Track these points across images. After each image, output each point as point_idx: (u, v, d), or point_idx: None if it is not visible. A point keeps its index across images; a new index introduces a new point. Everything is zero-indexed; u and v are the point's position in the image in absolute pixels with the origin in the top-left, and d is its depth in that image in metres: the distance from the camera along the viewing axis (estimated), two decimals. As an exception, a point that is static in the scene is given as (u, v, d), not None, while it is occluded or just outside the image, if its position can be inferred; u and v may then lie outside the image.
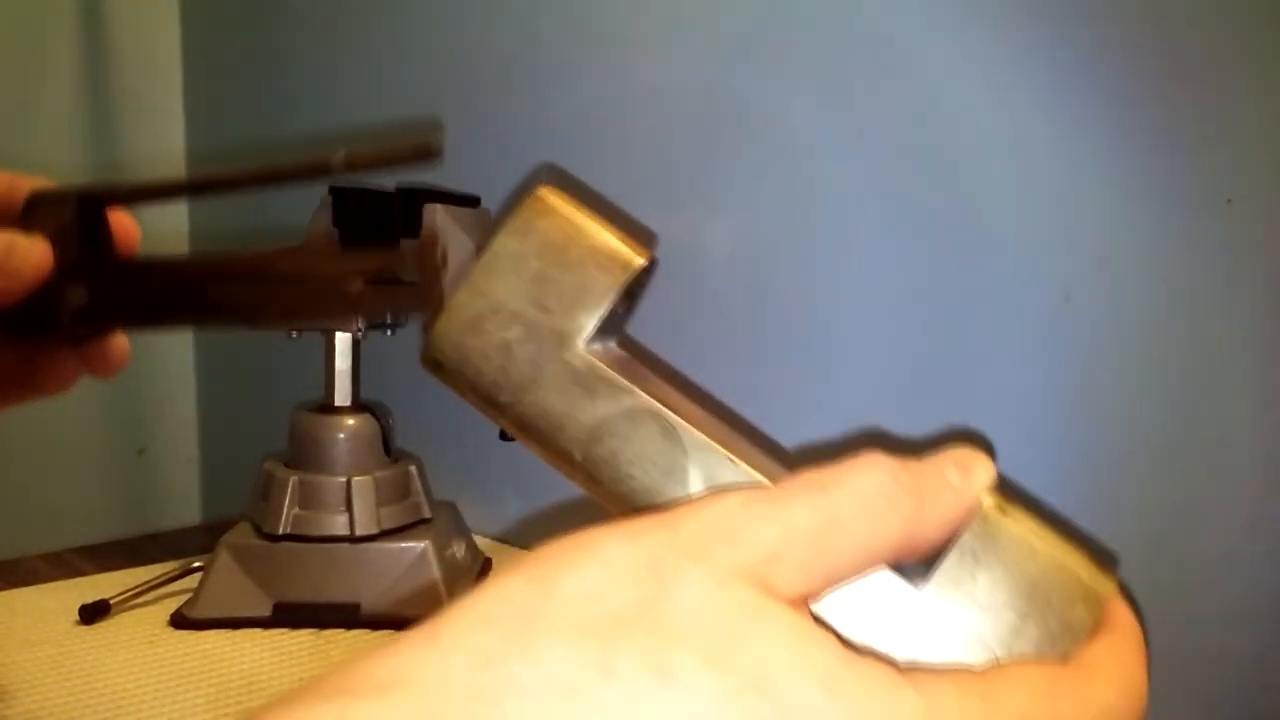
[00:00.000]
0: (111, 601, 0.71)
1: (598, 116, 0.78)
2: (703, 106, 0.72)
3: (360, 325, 0.71)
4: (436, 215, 0.67)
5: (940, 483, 0.23)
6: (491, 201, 0.74)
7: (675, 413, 0.25)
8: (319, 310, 0.34)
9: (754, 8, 0.69)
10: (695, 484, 0.24)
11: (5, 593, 0.76)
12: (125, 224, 0.39)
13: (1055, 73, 0.57)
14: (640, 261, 0.26)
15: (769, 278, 0.71)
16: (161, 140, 1.10)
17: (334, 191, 0.70)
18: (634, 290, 0.27)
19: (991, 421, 0.61)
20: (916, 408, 0.64)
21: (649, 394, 0.25)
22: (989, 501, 0.24)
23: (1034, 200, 0.59)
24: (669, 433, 0.25)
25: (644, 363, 0.27)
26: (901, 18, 0.63)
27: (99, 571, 0.81)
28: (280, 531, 0.69)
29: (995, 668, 0.22)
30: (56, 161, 1.02)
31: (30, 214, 0.36)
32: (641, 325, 0.89)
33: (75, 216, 0.36)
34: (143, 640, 0.67)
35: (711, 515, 0.21)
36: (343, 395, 0.73)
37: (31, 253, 0.34)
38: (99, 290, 0.35)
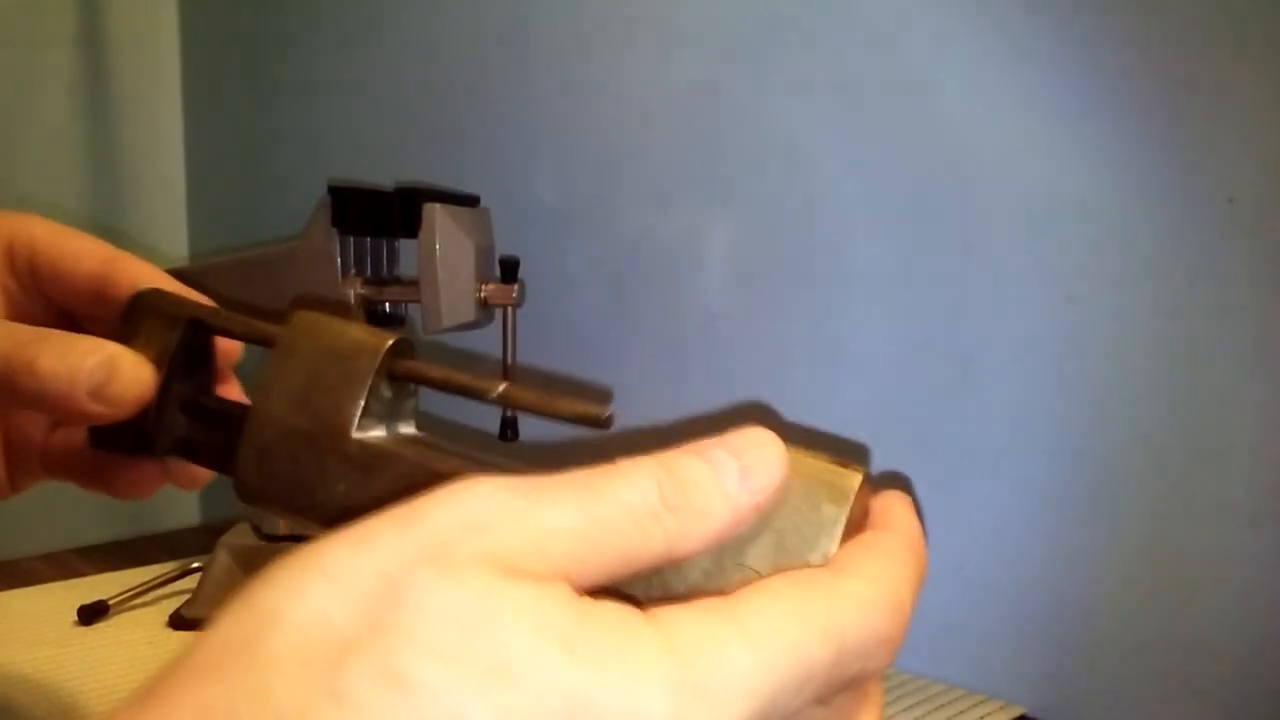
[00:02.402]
0: (110, 602, 0.71)
1: (598, 116, 0.78)
2: (703, 106, 0.72)
3: (359, 325, 0.71)
4: (435, 215, 0.67)
5: (713, 496, 0.22)
6: (491, 201, 0.74)
7: (450, 460, 0.27)
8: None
9: (754, 8, 0.69)
10: None
11: (3, 594, 0.76)
12: (228, 342, 0.36)
13: (1057, 72, 0.57)
14: (388, 342, 0.28)
15: (768, 278, 0.70)
16: (160, 139, 1.10)
17: (333, 191, 0.69)
18: (400, 372, 0.29)
19: (992, 421, 0.61)
20: (917, 408, 0.64)
21: (422, 455, 0.27)
22: None
23: (1035, 200, 0.59)
24: (446, 481, 0.27)
25: (433, 433, 0.29)
26: (902, 18, 0.63)
27: (97, 572, 0.81)
28: (279, 532, 0.69)
29: (743, 587, 0.21)
30: (54, 162, 1.02)
31: (134, 323, 0.33)
32: (641, 326, 0.89)
33: (183, 340, 0.33)
34: (141, 641, 0.67)
35: (456, 507, 0.20)
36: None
37: (136, 381, 0.31)
38: (200, 428, 0.33)
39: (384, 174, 0.81)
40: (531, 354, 0.73)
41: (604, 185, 0.79)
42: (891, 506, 0.25)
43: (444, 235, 0.67)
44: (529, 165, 0.82)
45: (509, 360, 0.70)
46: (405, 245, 0.73)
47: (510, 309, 0.70)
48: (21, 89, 1.00)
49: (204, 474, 0.36)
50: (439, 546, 0.19)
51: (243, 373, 0.37)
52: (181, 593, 0.72)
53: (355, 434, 0.27)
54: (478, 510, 0.20)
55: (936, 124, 0.62)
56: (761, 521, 0.23)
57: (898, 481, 0.63)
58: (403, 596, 0.18)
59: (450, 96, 0.87)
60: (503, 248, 0.73)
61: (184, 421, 0.33)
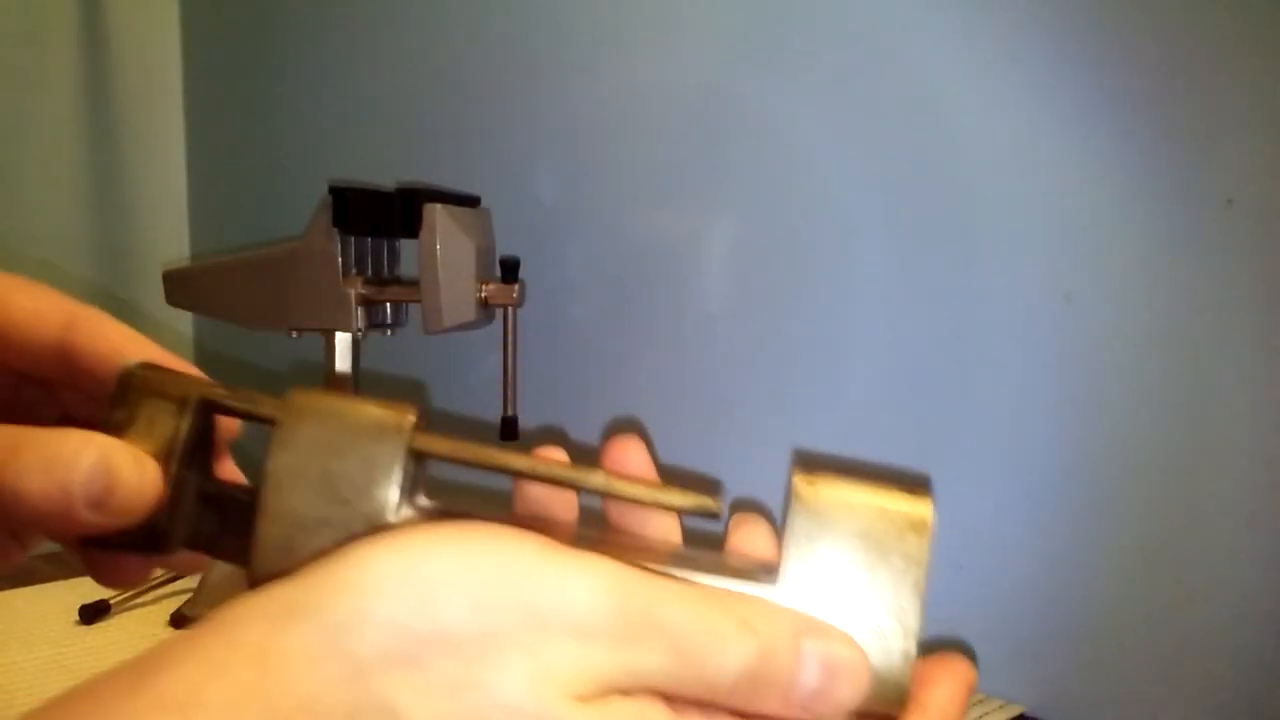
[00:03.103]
0: (111, 601, 0.71)
1: (598, 116, 0.78)
2: (703, 106, 0.72)
3: (360, 325, 0.71)
4: (436, 215, 0.67)
5: (773, 693, 0.23)
6: (491, 201, 0.74)
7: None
8: None
9: (754, 8, 0.69)
10: None
11: (5, 593, 0.76)
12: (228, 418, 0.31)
13: (1056, 73, 0.57)
14: (411, 419, 0.26)
15: (769, 278, 0.71)
16: (161, 139, 1.10)
17: (334, 191, 0.69)
18: (422, 449, 0.27)
19: (992, 421, 0.61)
20: (916, 408, 0.64)
21: None
22: (799, 479, 0.25)
23: (1035, 201, 0.59)
24: None
25: (457, 502, 0.28)
26: (901, 19, 0.63)
27: (99, 571, 0.81)
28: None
29: None
30: (56, 162, 1.02)
31: (127, 408, 0.28)
32: (641, 326, 0.89)
33: (192, 427, 0.28)
34: (143, 640, 0.67)
35: (576, 599, 0.22)
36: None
37: (142, 484, 0.26)
38: (214, 519, 0.29)
39: (384, 174, 0.81)
40: (532, 354, 0.73)
41: (604, 185, 0.79)
42: (941, 679, 0.25)
43: (444, 235, 0.67)
44: (529, 165, 0.82)
45: (509, 360, 0.70)
46: (406, 245, 0.73)
47: (511, 309, 0.70)
48: (23, 89, 1.00)
49: (199, 560, 0.31)
50: (533, 638, 0.21)
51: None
52: (183, 592, 0.72)
53: (397, 519, 0.26)
54: (589, 615, 0.22)
55: (937, 125, 0.62)
56: (850, 561, 0.24)
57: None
58: (488, 677, 0.21)
59: (450, 97, 0.87)
60: (503, 248, 0.73)
61: (196, 512, 0.29)
